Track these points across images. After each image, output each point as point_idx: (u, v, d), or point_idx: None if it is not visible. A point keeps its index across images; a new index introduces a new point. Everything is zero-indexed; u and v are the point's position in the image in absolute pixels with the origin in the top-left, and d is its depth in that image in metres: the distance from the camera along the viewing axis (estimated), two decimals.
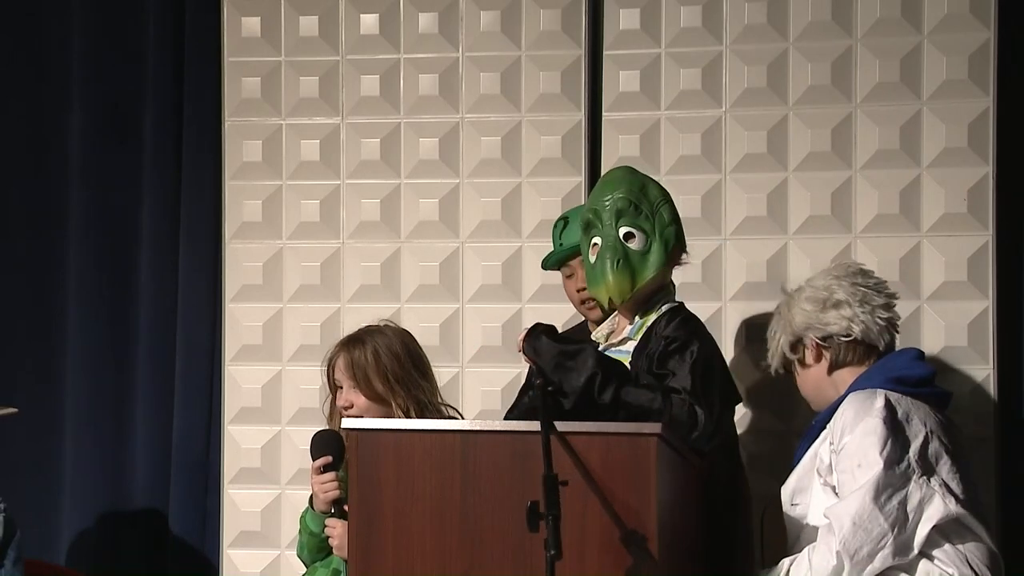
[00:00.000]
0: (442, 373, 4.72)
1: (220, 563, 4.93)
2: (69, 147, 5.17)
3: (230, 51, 4.96)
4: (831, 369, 3.87)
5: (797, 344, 3.90)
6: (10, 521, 4.25)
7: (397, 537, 3.54)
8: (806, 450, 3.81)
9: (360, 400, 4.07)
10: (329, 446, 4.00)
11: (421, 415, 4.05)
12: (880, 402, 3.64)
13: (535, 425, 3.40)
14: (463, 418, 4.22)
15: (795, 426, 4.47)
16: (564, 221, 4.25)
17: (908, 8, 4.54)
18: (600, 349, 3.93)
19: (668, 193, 4.00)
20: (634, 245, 3.90)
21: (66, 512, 5.14)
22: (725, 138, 4.65)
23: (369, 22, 4.89)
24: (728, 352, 4.57)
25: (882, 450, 3.56)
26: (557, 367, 3.77)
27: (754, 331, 4.58)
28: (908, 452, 3.59)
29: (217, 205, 5.01)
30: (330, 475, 3.98)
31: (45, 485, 5.15)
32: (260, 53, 4.95)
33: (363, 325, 4.22)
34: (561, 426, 3.41)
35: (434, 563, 3.51)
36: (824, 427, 3.77)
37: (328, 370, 4.16)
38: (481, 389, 4.73)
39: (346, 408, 4.09)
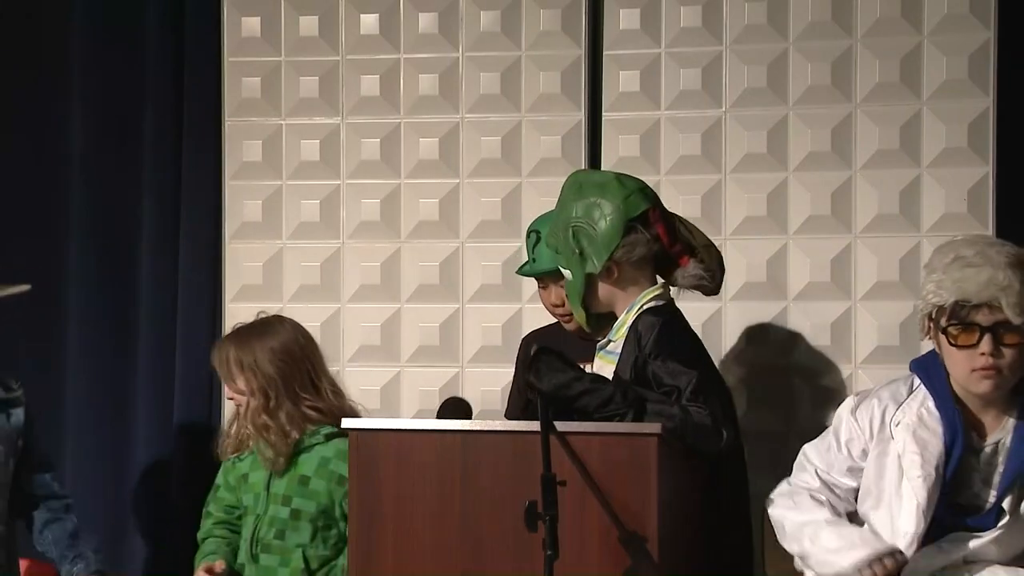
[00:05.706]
0: (442, 373, 4.73)
1: None
2: (69, 147, 5.17)
3: (230, 51, 4.96)
4: None
5: None
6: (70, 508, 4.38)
7: (397, 537, 3.54)
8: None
9: (236, 395, 4.19)
10: (456, 413, 3.79)
11: (301, 421, 4.10)
12: None
13: (535, 425, 3.40)
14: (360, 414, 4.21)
15: (795, 426, 4.46)
16: (536, 234, 4.18)
17: (908, 8, 4.54)
18: (598, 347, 3.93)
19: (595, 203, 3.77)
20: (568, 276, 3.87)
21: None
22: (725, 138, 4.65)
23: (369, 22, 4.89)
24: (728, 352, 4.57)
25: None
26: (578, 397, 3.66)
27: (754, 331, 4.58)
28: None
29: (217, 205, 5.00)
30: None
31: None
32: (260, 53, 4.94)
33: (260, 317, 4.26)
34: (560, 426, 3.41)
35: (434, 563, 3.51)
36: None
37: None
38: (481, 389, 4.72)
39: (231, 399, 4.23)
